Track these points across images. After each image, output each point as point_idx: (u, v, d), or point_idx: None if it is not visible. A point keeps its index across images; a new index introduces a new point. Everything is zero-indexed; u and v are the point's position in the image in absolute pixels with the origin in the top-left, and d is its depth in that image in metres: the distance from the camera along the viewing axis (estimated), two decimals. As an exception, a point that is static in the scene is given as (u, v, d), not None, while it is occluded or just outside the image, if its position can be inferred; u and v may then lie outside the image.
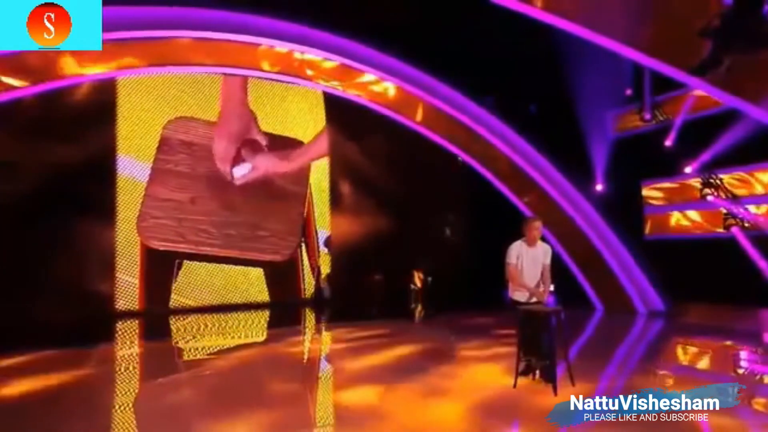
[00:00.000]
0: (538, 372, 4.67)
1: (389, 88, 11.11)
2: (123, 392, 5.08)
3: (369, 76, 10.83)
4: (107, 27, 7.66)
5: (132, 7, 8.07)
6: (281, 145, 10.95)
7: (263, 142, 10.59)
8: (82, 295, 8.93)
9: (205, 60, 9.84)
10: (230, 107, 10.48)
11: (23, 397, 4.60)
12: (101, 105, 9.34)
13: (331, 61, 10.49)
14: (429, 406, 4.20)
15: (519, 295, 4.77)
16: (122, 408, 4.53)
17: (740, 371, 5.54)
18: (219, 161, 10.21)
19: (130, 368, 6.12)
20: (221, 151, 10.23)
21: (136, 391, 5.18)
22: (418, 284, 10.27)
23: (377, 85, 11.11)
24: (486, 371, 5.23)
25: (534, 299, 4.72)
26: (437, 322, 8.60)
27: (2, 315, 7.66)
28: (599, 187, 10.93)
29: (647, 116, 10.66)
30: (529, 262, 4.72)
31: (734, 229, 9.38)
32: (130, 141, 9.63)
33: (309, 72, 10.79)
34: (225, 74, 10.44)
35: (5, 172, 8.32)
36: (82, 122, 9.08)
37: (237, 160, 10.37)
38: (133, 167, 9.61)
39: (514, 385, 4.51)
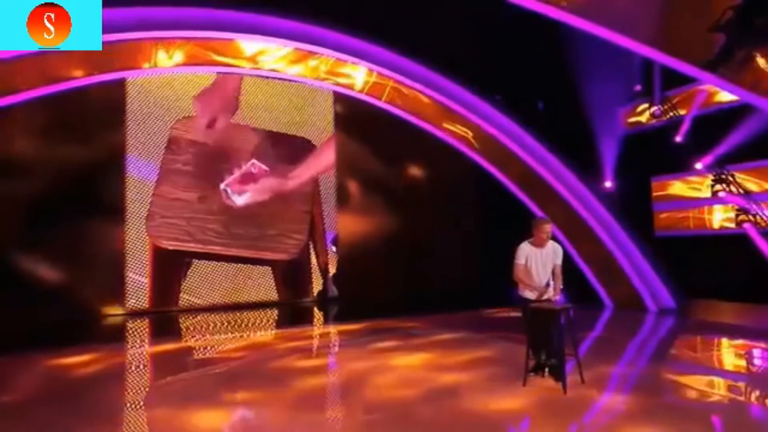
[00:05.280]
0: (547, 370, 4.64)
1: (395, 85, 11.07)
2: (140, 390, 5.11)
3: (374, 74, 10.79)
4: (114, 28, 7.81)
5: (136, 8, 8.10)
6: (287, 144, 10.95)
7: (258, 165, 10.39)
8: (92, 294, 9.03)
9: (211, 60, 9.87)
10: (218, 94, 10.42)
11: (36, 397, 4.64)
12: (110, 105, 9.40)
13: (338, 61, 10.48)
14: (435, 404, 4.18)
15: (528, 294, 4.75)
16: (136, 407, 4.56)
17: (753, 369, 5.47)
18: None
19: (150, 367, 6.16)
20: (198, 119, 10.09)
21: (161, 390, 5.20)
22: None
23: (383, 83, 11.07)
24: (493, 369, 5.20)
25: (544, 297, 4.69)
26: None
27: (11, 314, 7.73)
28: (608, 184, 10.84)
29: (657, 112, 10.55)
30: (538, 262, 4.69)
31: (746, 225, 9.26)
32: (139, 141, 9.70)
33: (318, 71, 10.78)
34: (233, 74, 10.46)
35: (16, 173, 8.42)
36: (92, 123, 9.16)
37: (238, 186, 10.25)
38: (141, 167, 9.67)
39: (524, 383, 4.48)
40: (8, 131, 8.49)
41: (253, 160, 10.34)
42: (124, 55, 9.07)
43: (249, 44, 9.94)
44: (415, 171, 11.95)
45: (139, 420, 4.24)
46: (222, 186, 10.08)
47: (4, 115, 8.12)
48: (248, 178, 10.26)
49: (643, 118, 10.98)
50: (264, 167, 10.43)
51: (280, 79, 10.78)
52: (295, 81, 10.88)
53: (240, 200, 10.18)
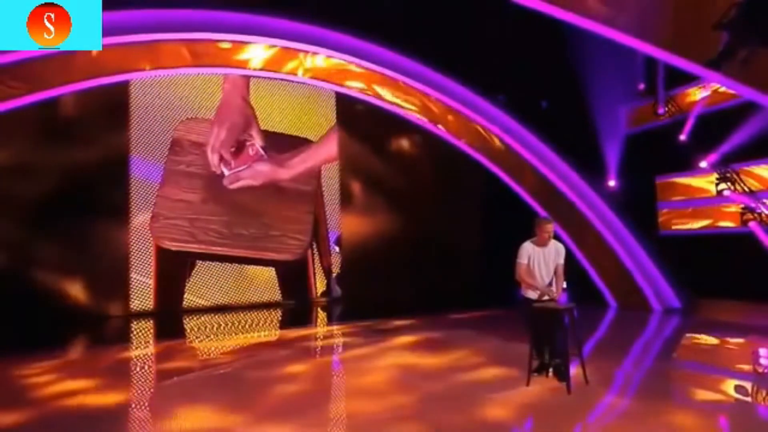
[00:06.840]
0: (551, 370, 4.62)
1: (398, 84, 11.07)
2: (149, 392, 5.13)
3: (375, 74, 10.79)
4: (118, 30, 7.85)
5: (139, 9, 8.14)
6: (289, 144, 10.97)
7: (260, 141, 10.48)
8: (97, 295, 9.07)
9: (214, 61, 9.90)
10: (230, 100, 10.45)
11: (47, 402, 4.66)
12: (114, 107, 9.44)
13: (339, 60, 10.49)
14: (438, 404, 4.17)
15: (531, 293, 4.73)
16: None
17: (760, 369, 5.44)
18: (211, 150, 10.09)
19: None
20: (216, 140, 10.14)
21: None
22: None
23: (385, 83, 11.07)
24: (497, 369, 5.19)
25: (546, 297, 4.67)
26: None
27: (15, 315, 7.78)
28: (612, 183, 10.80)
29: (661, 110, 10.51)
30: (540, 262, 4.67)
31: (752, 224, 9.20)
32: (143, 142, 9.74)
33: (321, 72, 10.79)
34: (233, 75, 10.48)
35: (21, 175, 8.47)
36: (96, 124, 9.20)
37: (232, 160, 10.25)
38: (145, 168, 9.72)
39: (527, 384, 4.47)
40: (14, 133, 8.54)
41: (255, 141, 10.35)
42: (127, 57, 9.11)
43: (247, 45, 9.94)
44: (417, 171, 11.93)
45: (139, 423, 4.25)
46: (215, 154, 10.04)
47: (10, 117, 8.16)
48: (245, 157, 10.24)
49: (647, 117, 10.93)
50: (262, 151, 10.42)
51: (281, 80, 10.80)
52: (296, 81, 10.89)
53: (228, 173, 10.14)
